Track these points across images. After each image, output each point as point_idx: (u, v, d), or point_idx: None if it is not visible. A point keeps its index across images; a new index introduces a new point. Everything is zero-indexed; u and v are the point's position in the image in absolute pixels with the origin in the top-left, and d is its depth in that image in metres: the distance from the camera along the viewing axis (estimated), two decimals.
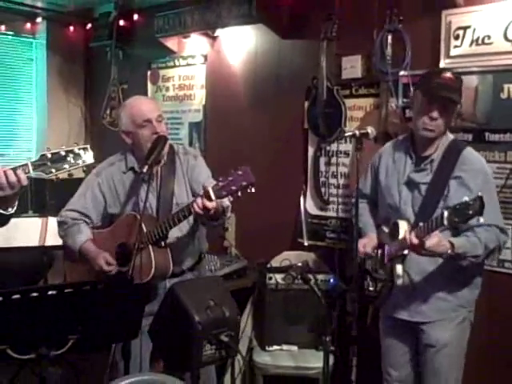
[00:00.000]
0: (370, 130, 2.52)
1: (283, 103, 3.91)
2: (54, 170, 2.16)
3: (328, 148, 3.67)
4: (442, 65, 3.17)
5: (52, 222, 4.19)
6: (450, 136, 2.60)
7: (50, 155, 2.15)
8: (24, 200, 4.95)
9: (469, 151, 2.55)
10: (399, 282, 2.46)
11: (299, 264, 2.85)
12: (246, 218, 4.10)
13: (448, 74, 2.50)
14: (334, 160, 3.65)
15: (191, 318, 1.93)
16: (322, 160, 3.72)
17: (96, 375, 1.84)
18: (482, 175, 2.46)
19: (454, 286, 2.56)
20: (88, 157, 2.16)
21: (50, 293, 1.83)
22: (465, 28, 3.09)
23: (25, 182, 2.14)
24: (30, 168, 2.16)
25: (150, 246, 2.56)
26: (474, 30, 3.06)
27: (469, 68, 3.07)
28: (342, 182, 3.63)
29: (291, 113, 3.85)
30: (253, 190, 2.32)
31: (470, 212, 2.08)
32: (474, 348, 2.72)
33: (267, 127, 4.03)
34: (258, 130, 4.08)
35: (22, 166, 2.16)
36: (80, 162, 2.14)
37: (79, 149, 2.16)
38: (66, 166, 2.15)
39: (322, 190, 3.72)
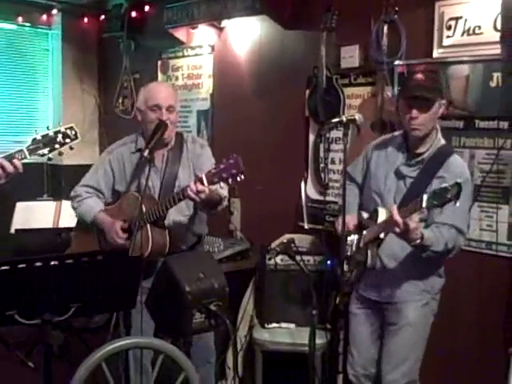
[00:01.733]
0: (358, 116, 2.65)
1: (285, 91, 4.05)
2: (46, 151, 2.39)
3: (327, 135, 3.81)
4: (435, 54, 3.29)
5: (66, 205, 4.40)
6: (442, 140, 2.75)
7: (40, 137, 2.39)
8: (40, 185, 5.17)
9: (455, 157, 2.71)
10: (373, 263, 2.62)
11: (284, 241, 2.99)
12: (250, 203, 4.27)
13: (419, 75, 2.68)
14: (332, 146, 3.79)
15: (182, 289, 2.09)
16: (322, 146, 3.86)
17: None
18: (462, 179, 2.58)
19: (421, 272, 2.72)
20: (75, 135, 2.41)
21: (52, 263, 2.00)
22: (457, 19, 3.20)
23: (21, 169, 2.37)
24: (26, 153, 2.39)
25: (149, 225, 2.73)
26: (466, 20, 3.16)
27: (460, 57, 3.19)
28: (340, 167, 3.76)
29: (293, 101, 3.98)
30: (242, 178, 2.47)
31: (448, 196, 2.23)
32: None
33: (270, 115, 4.17)
34: (262, 118, 4.23)
35: (18, 152, 2.39)
36: (68, 140, 2.40)
37: (65, 128, 2.42)
38: (57, 145, 2.40)
39: (322, 175, 3.86)
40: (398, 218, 2.42)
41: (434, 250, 2.54)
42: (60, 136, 2.39)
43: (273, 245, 3.76)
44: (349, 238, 2.78)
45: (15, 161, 2.35)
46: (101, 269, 2.10)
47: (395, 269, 2.74)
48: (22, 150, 2.37)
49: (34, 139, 2.37)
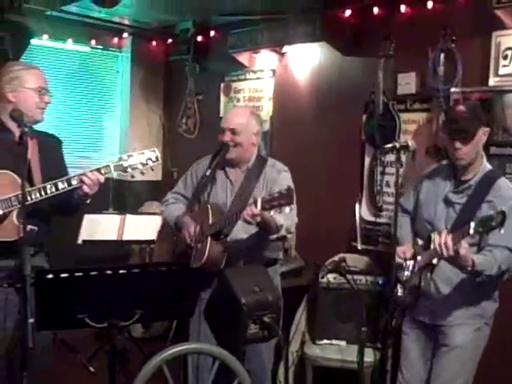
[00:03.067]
0: (411, 142, 2.75)
1: (343, 115, 4.17)
2: (129, 170, 2.67)
3: (383, 158, 3.91)
4: (490, 83, 3.36)
5: (129, 219, 4.63)
6: (488, 166, 2.81)
7: (126, 157, 2.66)
8: (106, 199, 5.43)
9: (503, 180, 2.76)
10: (427, 288, 2.70)
11: (336, 259, 3.09)
12: (305, 222, 4.35)
13: (459, 107, 2.73)
14: (388, 170, 3.89)
15: (238, 301, 2.23)
16: (378, 169, 3.96)
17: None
18: (511, 201, 2.64)
19: (474, 297, 2.78)
20: (155, 157, 2.66)
21: (121, 272, 2.18)
22: None
23: (103, 180, 2.64)
24: (112, 168, 2.66)
25: (209, 237, 2.91)
26: None
27: None
28: (394, 190, 3.85)
29: (350, 125, 4.11)
30: (287, 210, 2.64)
31: (493, 223, 2.32)
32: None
33: (328, 137, 4.30)
34: (319, 140, 4.36)
35: (104, 166, 2.67)
36: (150, 162, 2.65)
37: (149, 151, 2.68)
38: (140, 165, 2.66)
39: (377, 197, 3.96)
40: (446, 241, 2.49)
41: (487, 274, 2.60)
42: (143, 157, 2.66)
43: (327, 264, 3.89)
44: (405, 263, 2.88)
45: (97, 173, 2.63)
46: (164, 278, 2.27)
47: (449, 293, 2.80)
48: (108, 166, 2.65)
49: (121, 157, 2.65)
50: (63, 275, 2.10)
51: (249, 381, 2.09)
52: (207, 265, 2.86)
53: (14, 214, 2.63)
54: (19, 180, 2.60)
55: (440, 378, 2.82)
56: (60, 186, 2.62)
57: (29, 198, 2.57)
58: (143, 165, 2.66)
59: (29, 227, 2.57)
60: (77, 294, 2.18)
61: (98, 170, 2.66)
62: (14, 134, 2.75)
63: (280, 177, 3.16)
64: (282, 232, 2.98)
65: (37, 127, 2.89)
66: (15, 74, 2.77)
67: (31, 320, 2.09)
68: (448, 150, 2.79)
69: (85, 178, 2.62)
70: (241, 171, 3.17)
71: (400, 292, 2.83)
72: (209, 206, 3.03)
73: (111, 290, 2.20)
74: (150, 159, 2.67)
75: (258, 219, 2.69)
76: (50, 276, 2.10)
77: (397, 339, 3.03)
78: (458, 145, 2.67)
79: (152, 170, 2.70)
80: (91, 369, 4.30)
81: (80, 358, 4.38)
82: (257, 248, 3.07)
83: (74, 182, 2.63)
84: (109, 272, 2.17)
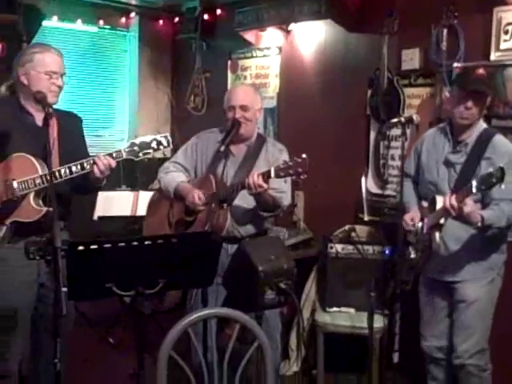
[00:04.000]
0: (415, 116, 2.89)
1: (348, 91, 4.29)
2: (141, 154, 2.71)
3: (388, 132, 4.03)
4: (492, 57, 3.46)
5: (142, 195, 4.76)
6: (483, 124, 2.96)
7: (137, 142, 2.70)
8: (117, 176, 5.57)
9: (498, 137, 2.91)
10: (437, 247, 2.85)
11: (346, 229, 3.25)
12: (313, 195, 4.54)
13: (481, 71, 2.86)
14: (392, 144, 4.02)
15: (256, 268, 2.39)
16: (382, 143, 4.09)
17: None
18: (508, 156, 2.80)
19: (484, 252, 2.95)
20: (167, 142, 2.70)
21: (146, 242, 2.33)
22: None
23: (114, 165, 2.74)
24: (123, 153, 2.72)
25: (213, 204, 3.04)
26: None
27: None
28: (399, 163, 3.97)
29: (355, 100, 4.23)
30: (304, 177, 2.76)
31: (494, 180, 2.45)
32: None
33: (334, 113, 4.43)
34: (326, 116, 4.48)
35: (117, 151, 2.73)
36: (161, 147, 2.69)
37: (161, 136, 2.70)
38: (151, 150, 2.70)
39: (382, 170, 4.10)
40: (451, 203, 2.65)
41: (496, 226, 2.76)
42: (155, 143, 2.68)
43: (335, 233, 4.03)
44: (414, 227, 3.02)
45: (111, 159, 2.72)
46: (186, 248, 2.40)
47: (459, 250, 2.96)
48: (120, 151, 2.71)
49: (133, 143, 2.69)
50: (93, 246, 2.24)
51: (267, 343, 2.25)
52: (212, 230, 2.98)
53: (31, 196, 2.72)
54: (37, 163, 2.72)
55: (462, 332, 3.01)
56: (73, 169, 2.69)
57: (45, 181, 2.66)
58: (154, 150, 2.69)
59: (45, 209, 2.71)
60: (105, 265, 2.30)
61: (110, 154, 2.72)
62: (33, 117, 2.85)
63: (282, 155, 3.29)
64: (277, 211, 3.18)
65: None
66: (29, 57, 2.81)
67: (64, 289, 2.23)
68: (455, 109, 2.90)
69: (97, 161, 2.69)
70: (243, 146, 3.30)
71: (413, 254, 2.98)
72: (211, 176, 3.16)
73: (137, 261, 2.33)
74: (162, 144, 2.69)
75: (261, 190, 2.84)
76: (81, 248, 2.23)
77: (409, 303, 3.19)
78: (470, 104, 2.81)
79: (164, 155, 2.74)
80: (111, 340, 4.49)
81: (99, 331, 4.56)
82: (256, 218, 3.23)
83: (87, 166, 2.70)
84: (135, 243, 2.31)
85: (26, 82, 2.81)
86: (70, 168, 2.70)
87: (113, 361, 4.16)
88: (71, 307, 2.91)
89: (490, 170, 2.48)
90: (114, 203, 4.76)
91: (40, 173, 2.71)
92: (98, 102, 5.79)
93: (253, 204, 3.18)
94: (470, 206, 2.63)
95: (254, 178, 2.87)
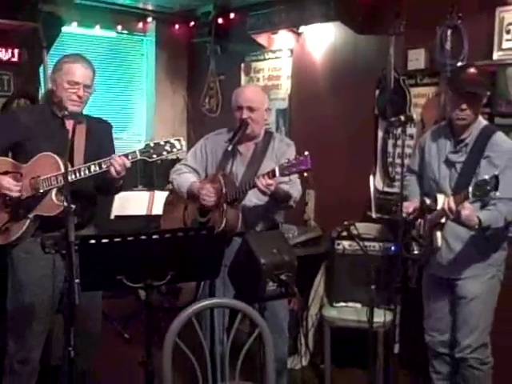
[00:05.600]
0: (415, 114, 2.98)
1: (357, 91, 4.38)
2: (155, 156, 2.83)
3: (395, 131, 4.11)
4: (494, 56, 3.54)
5: (158, 195, 4.89)
6: (483, 122, 3.02)
7: (152, 144, 2.82)
8: (134, 177, 5.73)
9: (498, 135, 2.96)
10: (438, 246, 2.93)
11: (345, 223, 3.34)
12: (323, 194, 4.65)
13: (472, 70, 2.92)
14: (399, 142, 4.09)
15: (258, 261, 2.50)
16: (390, 142, 4.18)
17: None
18: (508, 154, 2.87)
19: (484, 249, 3.01)
20: (180, 146, 2.80)
21: (154, 237, 2.45)
22: None
23: (129, 165, 2.86)
24: (138, 155, 2.85)
25: (225, 205, 3.17)
26: None
27: None
28: (406, 161, 4.06)
29: (363, 100, 4.32)
30: (307, 174, 2.88)
31: (488, 188, 2.53)
32: None
33: (343, 113, 4.52)
34: (335, 116, 4.58)
35: (132, 153, 2.86)
36: (175, 150, 2.80)
37: (174, 140, 2.81)
38: (165, 153, 2.81)
39: (389, 169, 4.19)
40: (449, 206, 2.73)
41: (495, 227, 2.83)
42: (168, 146, 2.80)
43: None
44: (417, 222, 3.09)
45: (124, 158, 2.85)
46: (193, 242, 2.53)
47: (460, 249, 3.03)
48: (134, 152, 2.84)
49: (148, 145, 2.82)
50: (104, 240, 2.37)
51: (268, 331, 2.36)
52: (225, 230, 3.13)
53: (53, 192, 2.89)
54: (60, 162, 2.88)
55: (464, 326, 3.08)
56: (92, 168, 2.85)
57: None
58: (168, 152, 2.80)
59: (65, 204, 2.83)
60: (116, 258, 2.43)
61: (126, 155, 2.86)
62: (63, 122, 2.98)
63: (289, 150, 3.38)
64: (291, 202, 3.25)
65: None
66: (60, 66, 3.01)
67: (77, 280, 2.37)
68: (451, 110, 2.98)
69: (113, 162, 2.82)
70: (250, 144, 3.40)
71: (416, 250, 3.07)
72: (220, 176, 3.27)
73: (146, 254, 2.45)
74: (175, 147, 2.80)
75: (272, 188, 2.94)
76: (93, 241, 2.37)
77: (413, 296, 3.28)
78: (464, 106, 2.88)
79: (177, 158, 2.85)
80: (126, 336, 4.63)
81: (115, 326, 4.71)
82: (268, 213, 3.33)
83: (104, 166, 2.85)
84: (143, 237, 2.43)
85: (54, 88, 3.01)
86: (89, 167, 2.86)
87: (124, 351, 4.33)
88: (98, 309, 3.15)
89: (486, 177, 2.53)
90: (131, 203, 4.88)
91: (62, 171, 2.87)
92: (117, 104, 5.95)
93: (264, 199, 3.25)
94: (468, 209, 2.69)
95: (262, 181, 2.98)
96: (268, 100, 3.49)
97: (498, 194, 2.52)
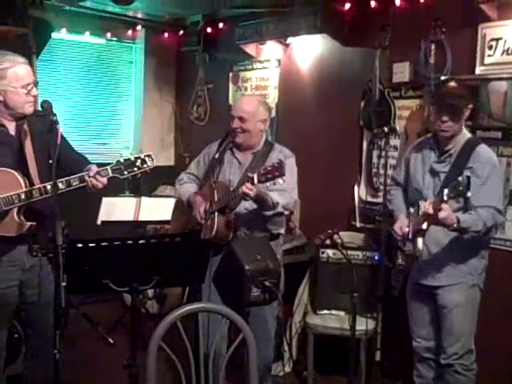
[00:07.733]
0: (398, 127, 3.04)
1: (342, 102, 4.46)
2: (126, 173, 2.84)
3: (379, 142, 4.19)
4: (477, 71, 3.62)
5: (144, 201, 4.91)
6: (468, 134, 3.10)
7: (123, 160, 2.82)
8: (121, 182, 5.74)
9: (481, 147, 3.03)
10: (419, 252, 2.99)
11: (329, 231, 3.40)
12: (308, 203, 4.69)
13: (452, 83, 3.00)
14: (384, 153, 4.17)
15: (242, 267, 2.54)
16: (375, 153, 4.25)
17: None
18: (490, 165, 2.95)
19: (464, 257, 3.07)
20: (151, 162, 2.82)
21: (140, 242, 2.50)
22: (497, 39, 3.53)
23: (105, 183, 2.84)
24: (109, 171, 2.84)
25: (216, 213, 3.22)
26: (505, 41, 3.49)
27: (500, 75, 3.52)
28: (390, 172, 4.13)
29: (349, 111, 4.40)
30: (280, 182, 2.96)
31: (461, 188, 2.59)
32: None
33: (329, 123, 4.59)
34: (321, 126, 4.65)
35: (103, 169, 2.83)
36: (145, 166, 2.82)
37: (145, 156, 2.83)
38: (135, 169, 2.83)
39: (374, 179, 4.26)
40: (427, 209, 2.79)
41: (474, 230, 2.88)
42: (139, 161, 2.81)
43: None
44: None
45: (100, 177, 2.83)
46: (178, 248, 2.57)
47: (439, 254, 3.09)
48: (106, 169, 2.82)
49: (118, 161, 2.81)
50: (91, 244, 2.41)
51: (251, 336, 2.39)
52: (216, 238, 3.17)
53: (15, 211, 2.76)
54: (20, 178, 2.75)
55: (449, 335, 3.12)
56: (60, 186, 2.73)
57: (29, 196, 2.72)
58: (139, 168, 2.81)
59: (28, 223, 2.77)
60: (102, 262, 2.48)
61: (98, 172, 2.81)
62: (7, 129, 2.83)
63: (286, 161, 3.43)
64: (279, 209, 3.29)
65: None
66: (2, 74, 2.74)
67: (64, 283, 2.39)
68: (434, 122, 3.05)
69: (88, 181, 2.79)
70: (249, 154, 3.46)
71: (400, 259, 3.13)
72: (213, 184, 3.32)
73: (132, 258, 2.50)
74: (146, 163, 2.82)
75: (253, 193, 3.00)
76: (80, 245, 2.41)
77: (395, 306, 3.33)
78: (445, 118, 2.95)
79: (147, 172, 2.83)
80: (110, 340, 4.65)
81: (100, 331, 4.73)
82: (259, 221, 3.37)
83: (74, 183, 2.78)
84: (130, 242, 2.48)
85: (1, 97, 2.77)
86: (55, 184, 2.65)
87: (108, 355, 4.34)
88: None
89: (459, 178, 2.60)
90: (117, 208, 4.89)
91: (23, 188, 2.75)
92: (105, 111, 5.99)
93: (253, 206, 3.29)
94: (445, 210, 2.75)
95: (243, 187, 3.04)
96: (266, 111, 3.53)
97: (469, 194, 2.58)
